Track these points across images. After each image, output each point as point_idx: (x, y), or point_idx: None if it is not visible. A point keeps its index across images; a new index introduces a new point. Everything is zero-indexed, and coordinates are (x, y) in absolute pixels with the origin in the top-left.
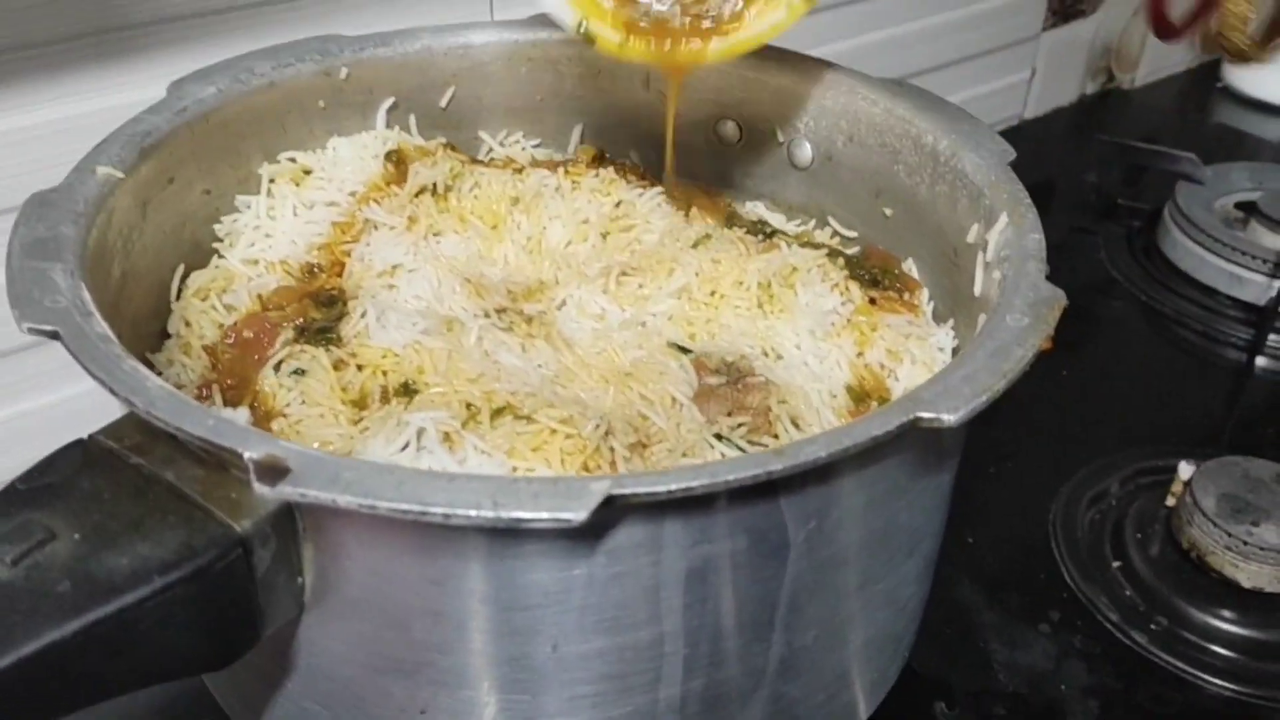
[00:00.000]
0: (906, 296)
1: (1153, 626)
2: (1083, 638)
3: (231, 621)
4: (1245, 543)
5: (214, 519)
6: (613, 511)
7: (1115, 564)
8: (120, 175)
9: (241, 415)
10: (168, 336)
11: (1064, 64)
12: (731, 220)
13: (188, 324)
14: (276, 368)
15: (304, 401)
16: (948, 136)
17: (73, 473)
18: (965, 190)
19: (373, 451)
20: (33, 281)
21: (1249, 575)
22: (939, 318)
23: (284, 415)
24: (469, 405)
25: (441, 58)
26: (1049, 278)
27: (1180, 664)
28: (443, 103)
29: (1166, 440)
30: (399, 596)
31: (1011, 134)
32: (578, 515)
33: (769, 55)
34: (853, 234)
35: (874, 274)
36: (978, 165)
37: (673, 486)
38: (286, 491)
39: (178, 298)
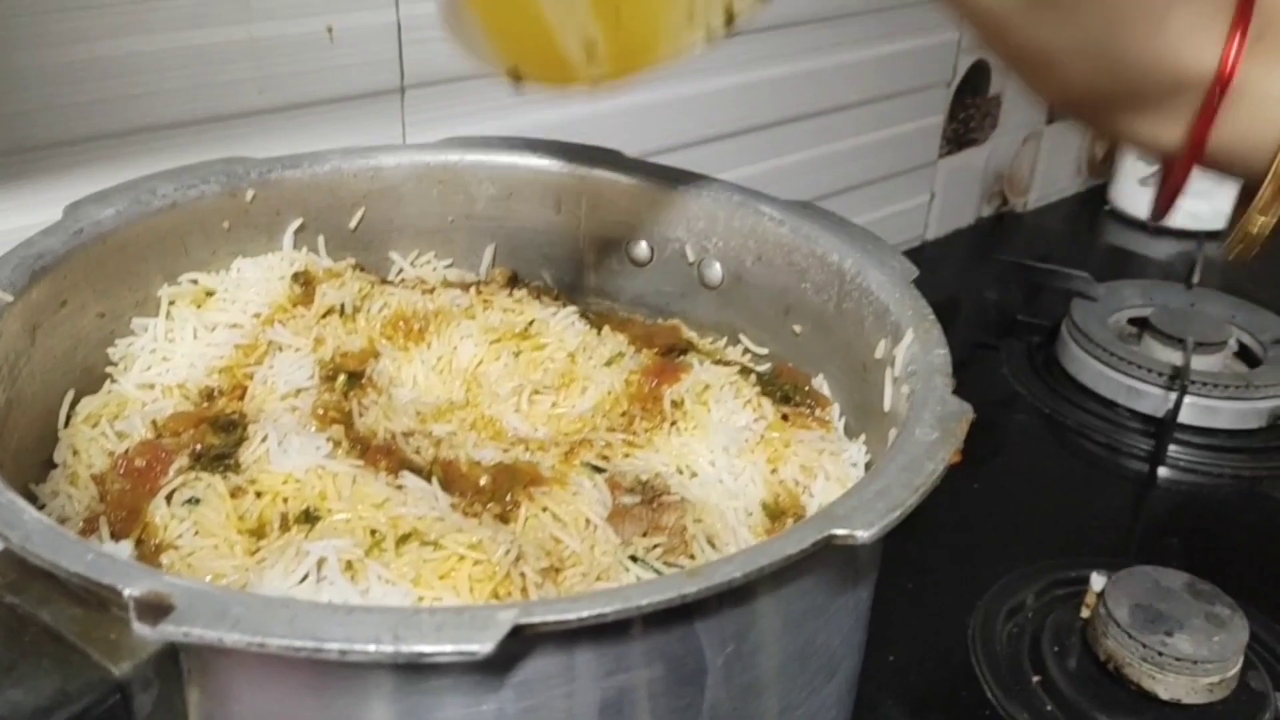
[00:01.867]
0: (818, 413)
1: None
2: None
3: None
4: (1160, 653)
5: (90, 662)
6: (522, 642)
7: (1035, 678)
8: (9, 299)
9: (124, 549)
10: (54, 466)
11: (960, 188)
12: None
13: (75, 452)
14: (169, 498)
15: (197, 532)
16: (852, 255)
17: None
18: (871, 307)
19: (270, 583)
20: None
21: (1166, 686)
22: (851, 433)
23: (175, 548)
24: (373, 532)
25: (351, 179)
26: (955, 391)
27: None
28: (352, 224)
29: (1077, 551)
30: None
31: (914, 254)
32: (484, 647)
33: (678, 178)
34: (764, 351)
35: (785, 390)
36: (882, 283)
37: (584, 614)
38: (169, 631)
39: (66, 425)
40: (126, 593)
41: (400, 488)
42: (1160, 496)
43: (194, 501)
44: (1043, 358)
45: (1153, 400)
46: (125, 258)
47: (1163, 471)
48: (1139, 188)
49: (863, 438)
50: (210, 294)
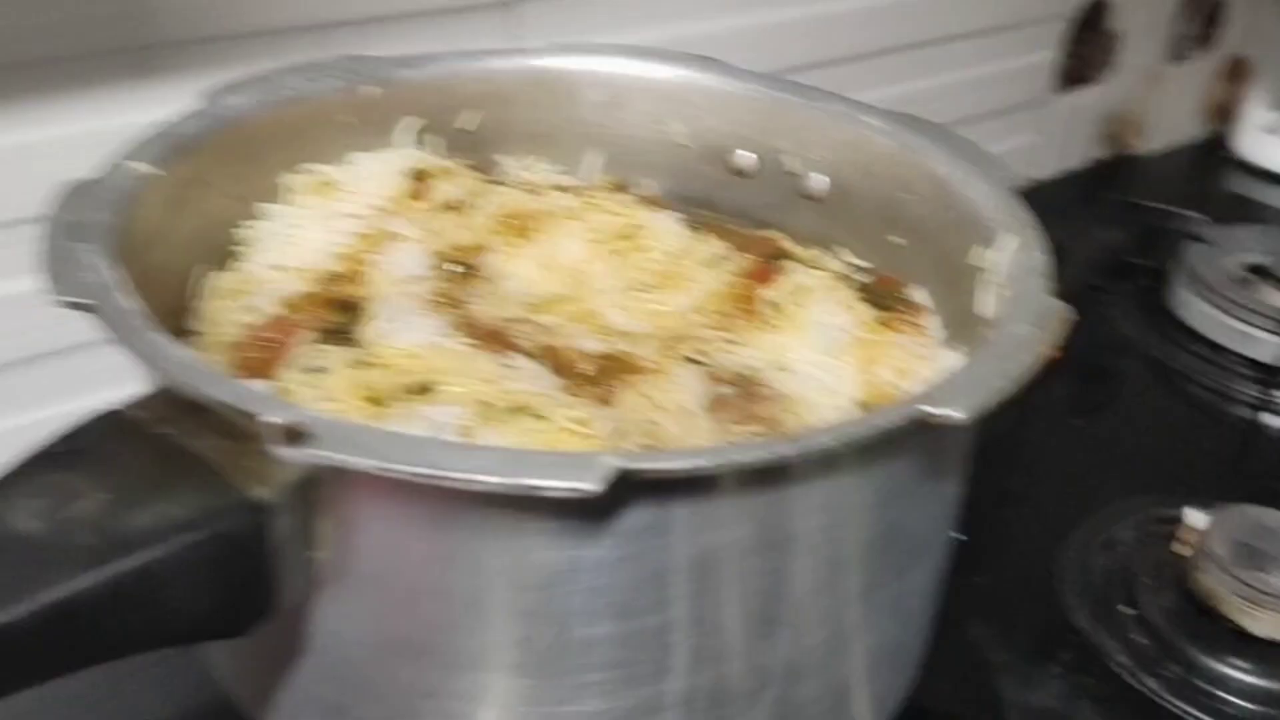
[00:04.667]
0: (916, 319)
1: (1165, 673)
2: (1095, 681)
3: (246, 589)
4: (1259, 590)
5: (234, 486)
6: (625, 488)
7: (1127, 610)
8: (156, 172)
9: (265, 386)
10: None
11: (1073, 128)
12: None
13: (213, 323)
14: (297, 367)
15: (325, 399)
16: (957, 164)
17: (101, 439)
18: (973, 215)
19: None
20: (69, 258)
21: (1261, 624)
22: (951, 345)
23: None
24: (486, 404)
25: (465, 81)
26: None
27: (1192, 710)
28: (464, 125)
29: (1177, 491)
30: (410, 574)
31: (1027, 194)
32: (593, 485)
33: (783, 88)
34: (865, 264)
35: (883, 297)
36: (985, 191)
37: (684, 464)
38: (305, 454)
39: (202, 298)
40: (269, 419)
41: (510, 366)
42: (1266, 443)
43: (320, 370)
44: (1152, 301)
45: (1264, 346)
46: (256, 144)
47: (1269, 418)
48: (1263, 135)
49: (961, 349)
50: (330, 184)
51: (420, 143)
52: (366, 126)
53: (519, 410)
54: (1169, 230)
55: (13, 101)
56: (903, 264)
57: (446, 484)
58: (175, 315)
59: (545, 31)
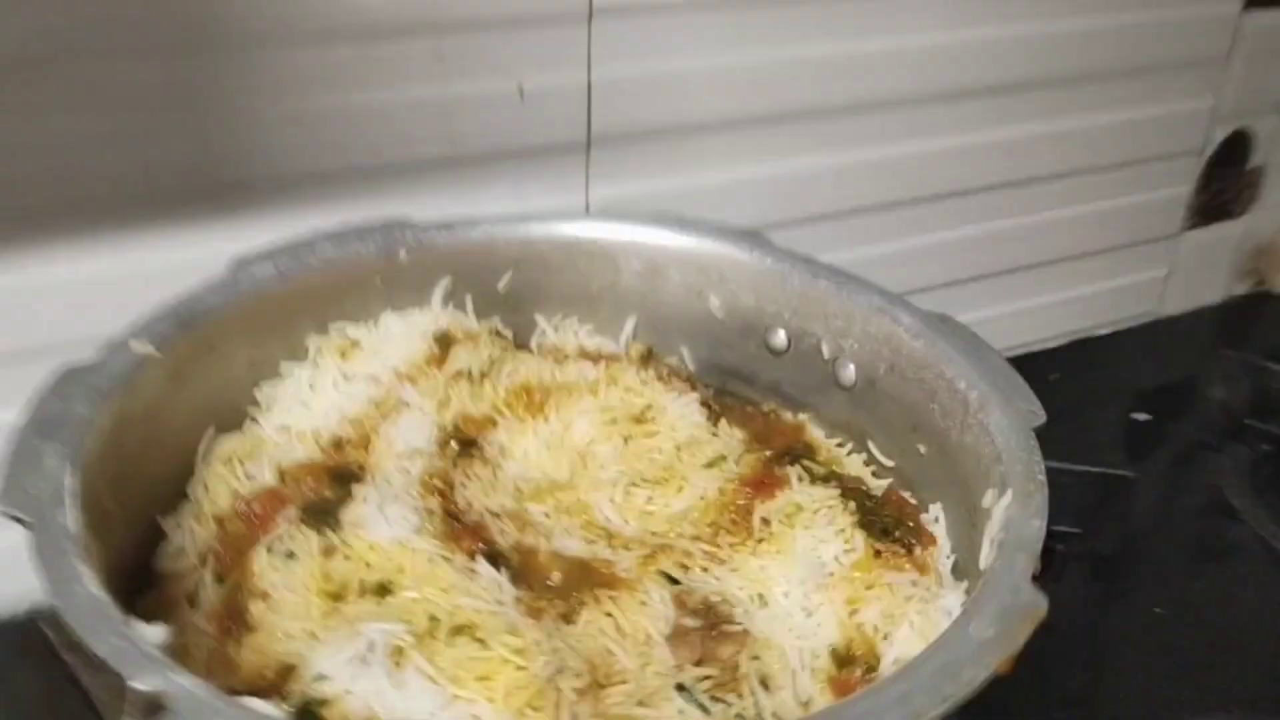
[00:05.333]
0: (918, 552)
1: None
2: None
3: None
4: None
5: None
6: None
7: None
8: (155, 354)
9: (156, 635)
10: (187, 498)
11: (1207, 264)
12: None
13: (206, 489)
14: (270, 550)
15: (286, 586)
16: (980, 386)
17: (9, 659)
18: (988, 448)
19: (320, 659)
20: (26, 463)
21: None
22: (960, 573)
23: (266, 596)
24: (432, 618)
25: (502, 245)
26: (1043, 576)
27: None
28: (500, 286)
29: (1268, 709)
30: None
31: (1146, 330)
32: None
33: (822, 272)
34: (889, 463)
35: (887, 522)
36: (1002, 425)
37: None
38: None
39: (204, 461)
40: (130, 685)
41: (472, 573)
42: None
43: (291, 555)
44: (1269, 471)
45: None
46: (281, 310)
47: None
48: None
49: (965, 584)
50: (355, 345)
51: (455, 303)
52: (400, 288)
53: (461, 631)
54: None
55: (97, 235)
56: (925, 473)
57: None
58: (180, 479)
59: (613, 173)
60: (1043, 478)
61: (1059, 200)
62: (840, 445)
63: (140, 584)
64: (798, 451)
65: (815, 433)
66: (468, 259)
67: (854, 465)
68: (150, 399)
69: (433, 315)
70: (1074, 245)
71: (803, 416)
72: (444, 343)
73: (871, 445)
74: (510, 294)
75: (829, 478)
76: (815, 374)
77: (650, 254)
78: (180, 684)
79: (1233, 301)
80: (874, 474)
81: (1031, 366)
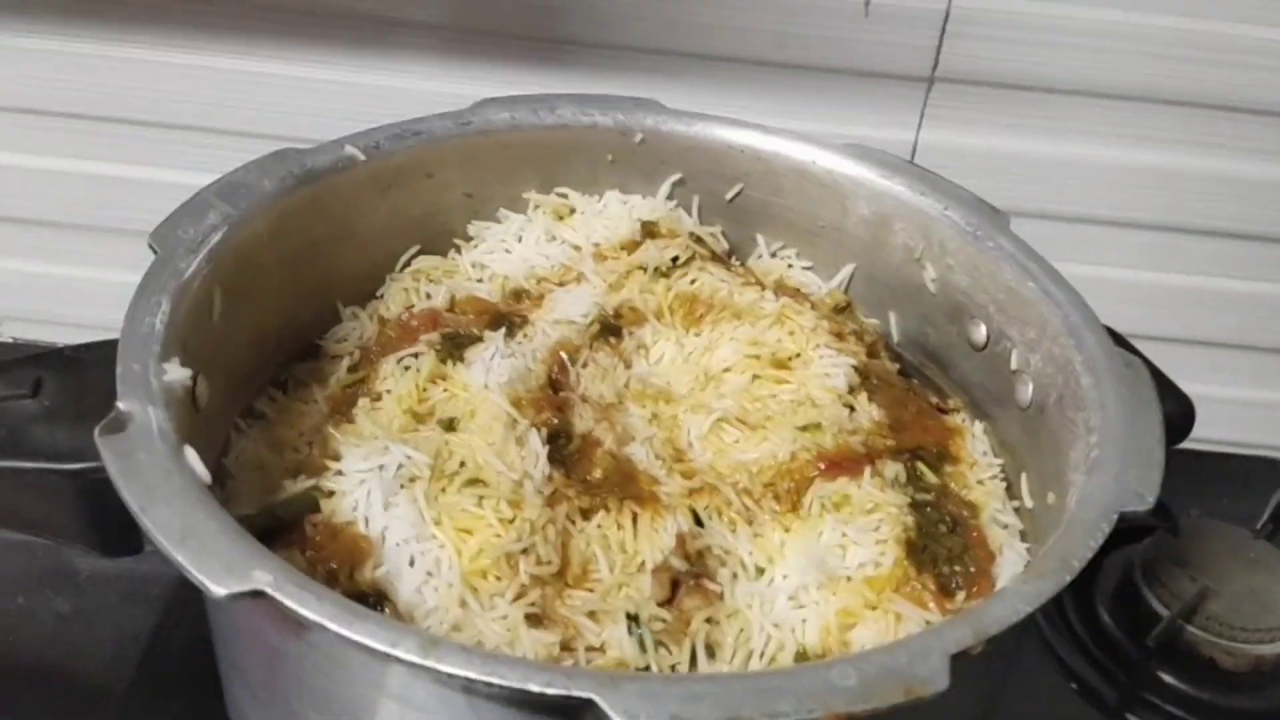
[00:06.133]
0: (959, 598)
1: None
2: None
3: (109, 519)
4: None
5: None
6: None
7: None
8: (362, 158)
9: (181, 374)
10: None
11: None
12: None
13: (388, 294)
14: (400, 359)
15: (390, 392)
16: (1108, 447)
17: (90, 358)
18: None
19: (350, 458)
20: (191, 210)
21: None
22: None
23: (376, 399)
24: (462, 462)
25: (735, 153)
26: None
27: None
28: (729, 195)
29: None
30: None
31: None
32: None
33: (1041, 274)
34: (1030, 504)
35: (941, 554)
36: (1091, 496)
37: None
38: (102, 447)
39: (401, 269)
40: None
41: (523, 441)
42: None
43: (406, 369)
44: None
45: None
46: (506, 156)
47: None
48: None
49: None
50: (572, 212)
51: (681, 202)
52: (629, 169)
53: (474, 483)
54: None
55: (375, 50)
56: (1039, 523)
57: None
58: (367, 280)
59: (953, 117)
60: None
61: None
62: (1002, 470)
63: (300, 353)
64: (926, 454)
65: (970, 445)
66: (701, 158)
67: (986, 494)
68: (352, 199)
69: (652, 205)
70: None
71: (978, 425)
72: (649, 234)
73: (1024, 480)
74: (737, 206)
75: (933, 490)
76: (1002, 383)
77: (880, 202)
78: (153, 415)
79: None
80: (1016, 510)
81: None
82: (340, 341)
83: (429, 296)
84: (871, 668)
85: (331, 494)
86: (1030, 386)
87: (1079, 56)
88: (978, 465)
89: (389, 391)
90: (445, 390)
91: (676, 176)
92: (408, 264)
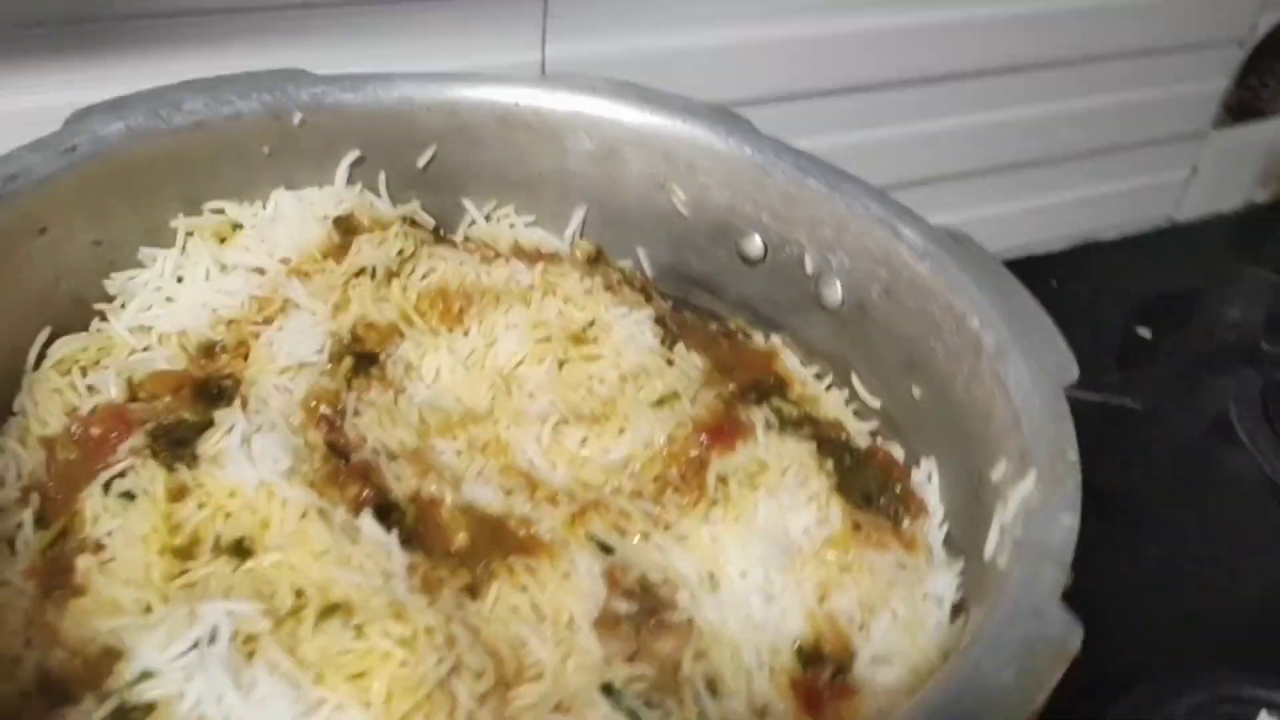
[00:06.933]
0: (905, 525)
1: None
2: None
3: None
4: None
5: None
6: None
7: None
8: None
9: None
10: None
11: (1231, 167)
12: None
13: (35, 404)
14: (106, 487)
15: (123, 537)
16: (998, 328)
17: None
18: (1004, 407)
19: (148, 649)
20: None
21: None
22: (952, 549)
23: (99, 548)
24: (298, 592)
25: (423, 112)
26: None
27: None
28: (421, 162)
29: (1265, 664)
30: None
31: (1158, 237)
32: None
33: (812, 169)
34: (875, 403)
35: (870, 487)
36: (1023, 381)
37: None
38: None
39: (35, 367)
40: None
41: (355, 534)
42: None
43: (129, 496)
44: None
45: None
46: (133, 179)
47: None
48: None
49: (960, 565)
50: (237, 228)
51: (364, 182)
52: (293, 158)
53: (334, 612)
54: None
55: None
56: (917, 419)
57: None
58: (7, 387)
59: (578, 26)
60: (1075, 457)
61: (1083, 88)
62: (819, 377)
63: None
64: (767, 386)
65: (789, 362)
66: (381, 127)
67: (833, 405)
68: None
69: (334, 196)
70: (1092, 139)
71: (776, 339)
72: (346, 230)
73: (855, 379)
74: (433, 173)
75: (802, 422)
76: (795, 290)
77: (605, 133)
78: None
79: (1254, 211)
80: (856, 415)
81: (1031, 271)
82: None
83: (92, 390)
84: (1006, 662)
85: (151, 707)
86: (839, 285)
87: None
88: (805, 381)
89: (113, 535)
90: (202, 507)
91: (354, 155)
92: (41, 357)
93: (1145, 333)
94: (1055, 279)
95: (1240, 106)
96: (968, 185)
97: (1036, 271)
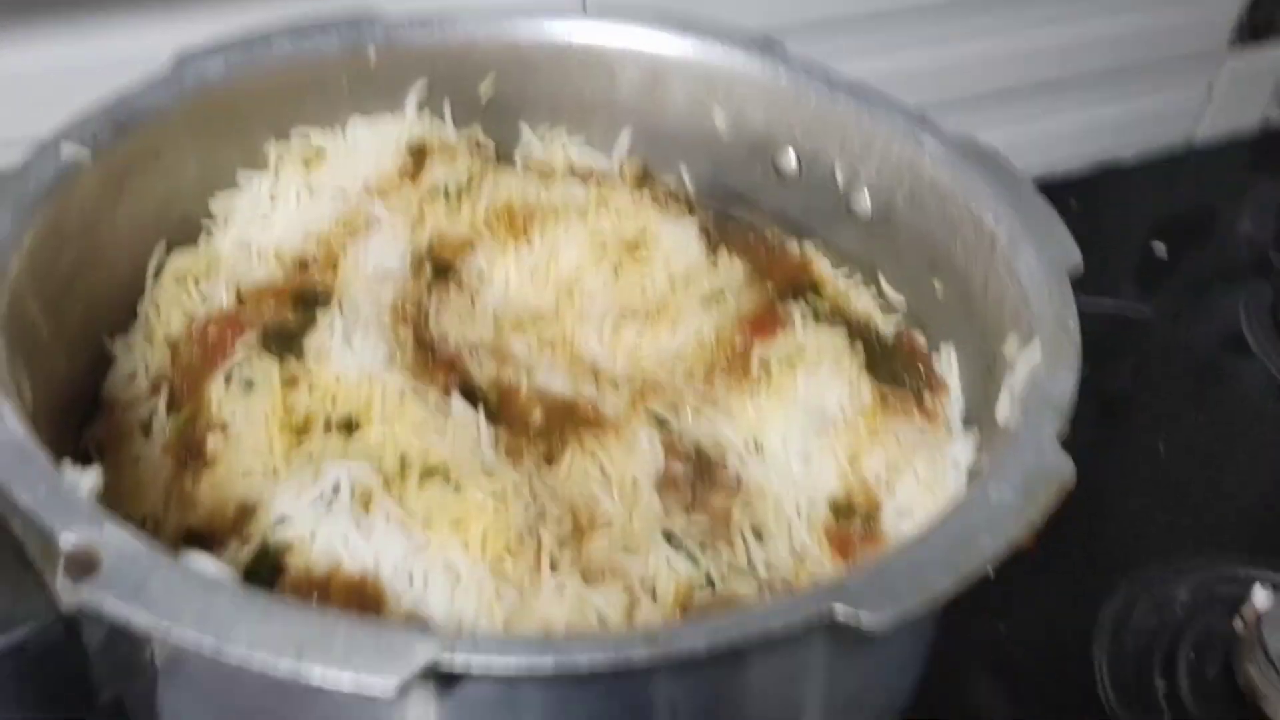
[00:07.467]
0: (928, 400)
1: None
2: None
3: (55, 692)
4: None
5: (45, 589)
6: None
7: (1160, 685)
8: (88, 158)
9: (88, 479)
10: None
11: (1247, 87)
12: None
13: (157, 310)
14: (228, 377)
15: (245, 418)
16: (1011, 222)
17: None
18: (1014, 290)
19: (281, 500)
20: None
21: None
22: (970, 420)
23: (224, 428)
24: (403, 458)
25: (484, 45)
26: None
27: None
28: (482, 91)
29: (1265, 548)
30: (238, 691)
31: (1176, 158)
32: (386, 684)
33: (842, 87)
34: (899, 298)
35: (896, 368)
36: (1033, 267)
37: (513, 662)
38: (85, 595)
39: (155, 277)
40: (61, 541)
41: (446, 412)
42: None
43: (249, 385)
44: None
45: None
46: (233, 112)
47: None
48: None
49: (976, 431)
50: (320, 153)
51: (431, 110)
52: (368, 91)
53: (434, 473)
54: None
55: (23, 22)
56: (939, 312)
57: (226, 659)
58: (130, 294)
59: None
60: (1075, 327)
61: (1100, 9)
62: (849, 278)
63: (86, 414)
64: (802, 286)
65: (822, 265)
66: (445, 60)
67: (863, 301)
68: (85, 209)
69: (406, 123)
70: (1110, 61)
71: (809, 246)
72: (418, 155)
73: (882, 279)
74: (493, 101)
75: (835, 316)
76: (827, 201)
77: (650, 62)
78: (115, 537)
79: (1270, 130)
80: (883, 311)
81: (1052, 192)
82: (129, 383)
83: (205, 299)
84: (1009, 488)
85: (288, 547)
86: (867, 194)
87: None
88: (836, 282)
89: (236, 416)
90: (312, 391)
91: (422, 85)
92: (159, 269)
93: (1161, 249)
94: (1075, 199)
95: (1256, 26)
96: (990, 108)
97: (1057, 192)
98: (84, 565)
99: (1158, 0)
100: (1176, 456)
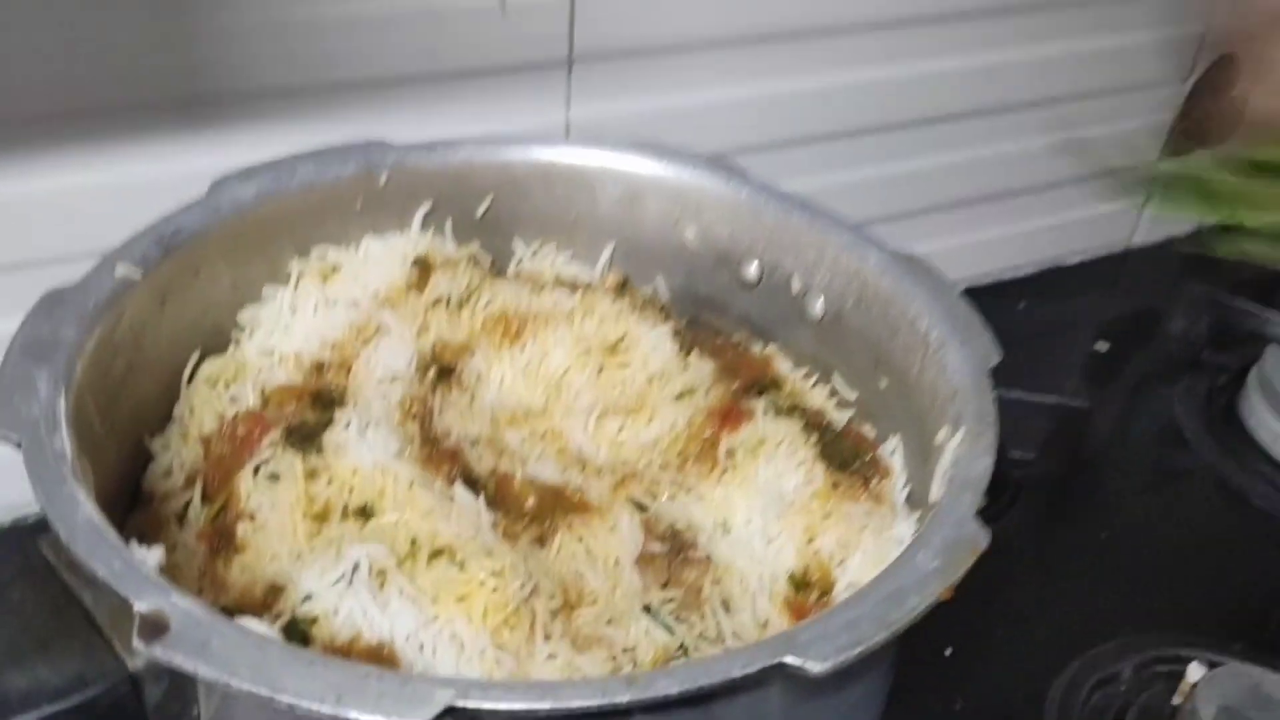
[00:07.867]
0: (874, 483)
1: None
2: None
3: None
4: None
5: (112, 651)
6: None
7: None
8: (138, 276)
9: (154, 557)
10: (173, 420)
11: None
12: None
13: (191, 411)
14: (256, 470)
15: (271, 508)
16: (941, 325)
17: (9, 578)
18: (944, 386)
19: (307, 579)
20: (16, 385)
21: None
22: (915, 503)
23: (252, 518)
24: (413, 541)
25: (481, 170)
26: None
27: None
28: (479, 211)
29: (1203, 628)
30: None
31: (1115, 260)
32: None
33: (796, 205)
34: (852, 396)
35: (845, 455)
36: (958, 365)
37: (517, 706)
38: (157, 653)
39: (189, 382)
40: (136, 608)
41: (450, 498)
42: None
43: (275, 477)
44: (1222, 403)
45: None
46: (261, 232)
47: None
48: None
49: (917, 515)
50: (336, 268)
51: (435, 228)
52: (379, 210)
53: (441, 554)
54: (1253, 330)
55: (63, 148)
56: (885, 407)
57: (278, 706)
58: (166, 400)
59: (597, 91)
60: (993, 418)
61: (1040, 127)
62: (806, 377)
63: (129, 504)
64: (764, 384)
65: (782, 365)
66: (448, 183)
67: (817, 397)
68: (136, 321)
69: (412, 239)
70: (1051, 173)
71: (771, 348)
72: (423, 268)
73: (836, 377)
74: (489, 219)
75: (793, 410)
76: (785, 307)
77: (628, 181)
78: (181, 604)
79: (1204, 233)
80: (837, 406)
81: (1002, 294)
82: (166, 477)
83: (234, 400)
84: (934, 555)
85: (314, 620)
86: (820, 300)
87: (692, 13)
88: (795, 380)
89: (262, 506)
90: (331, 482)
91: (427, 206)
92: (192, 374)
93: (1103, 347)
94: (1024, 301)
95: (1189, 137)
96: (942, 218)
97: (1007, 295)
98: (156, 628)
99: (1092, 118)
100: (1120, 541)
